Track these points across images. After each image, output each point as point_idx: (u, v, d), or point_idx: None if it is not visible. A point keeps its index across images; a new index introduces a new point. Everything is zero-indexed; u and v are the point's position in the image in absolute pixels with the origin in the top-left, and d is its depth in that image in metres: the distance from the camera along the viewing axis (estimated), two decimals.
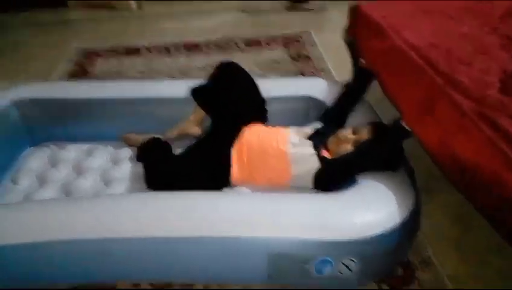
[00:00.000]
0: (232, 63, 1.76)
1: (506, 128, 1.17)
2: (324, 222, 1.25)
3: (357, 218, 1.25)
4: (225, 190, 1.54)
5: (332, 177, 1.43)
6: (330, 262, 1.22)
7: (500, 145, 1.12)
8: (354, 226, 1.23)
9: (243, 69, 1.75)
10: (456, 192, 1.29)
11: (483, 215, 1.18)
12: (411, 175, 1.42)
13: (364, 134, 1.47)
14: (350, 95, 1.74)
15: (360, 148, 1.43)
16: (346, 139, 1.48)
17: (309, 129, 1.62)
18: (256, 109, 1.73)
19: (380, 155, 1.39)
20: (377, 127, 1.48)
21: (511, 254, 1.12)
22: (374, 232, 1.22)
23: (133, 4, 3.80)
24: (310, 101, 1.83)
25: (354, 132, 1.50)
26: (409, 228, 1.30)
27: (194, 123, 1.77)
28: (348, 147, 1.46)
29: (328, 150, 1.51)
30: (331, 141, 1.52)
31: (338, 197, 1.32)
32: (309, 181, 1.46)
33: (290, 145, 1.51)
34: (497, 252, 1.52)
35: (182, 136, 1.79)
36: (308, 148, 1.49)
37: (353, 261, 1.23)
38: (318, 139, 1.54)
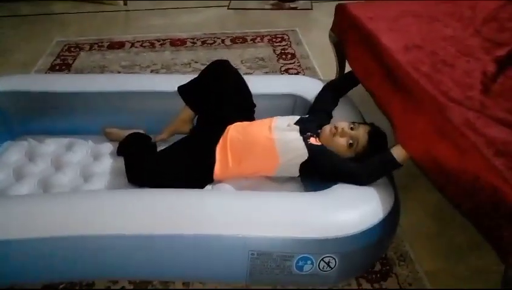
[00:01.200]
0: (225, 61, 1.72)
1: (486, 131, 1.19)
2: (304, 219, 1.25)
3: (338, 216, 1.25)
4: (207, 187, 1.53)
5: (316, 172, 1.42)
6: (311, 259, 1.22)
7: (481, 149, 1.13)
8: (334, 224, 1.23)
9: (234, 69, 1.73)
10: (434, 190, 1.30)
11: (468, 219, 1.18)
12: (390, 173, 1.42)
13: (361, 133, 1.44)
14: (334, 91, 1.75)
15: (358, 169, 1.37)
16: (343, 132, 1.45)
17: (295, 117, 1.59)
18: (244, 110, 1.71)
19: (369, 181, 1.35)
20: (375, 132, 1.46)
21: (487, 250, 1.14)
22: (355, 230, 1.22)
23: None
24: (295, 99, 1.83)
25: (352, 128, 1.46)
26: (389, 225, 1.31)
27: (183, 122, 1.73)
28: (342, 142, 1.44)
29: (318, 138, 1.49)
30: (326, 130, 1.48)
31: (319, 195, 1.32)
32: (296, 169, 1.44)
33: (276, 131, 1.49)
34: (474, 248, 1.54)
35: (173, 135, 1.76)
36: (294, 133, 1.47)
37: (333, 258, 1.23)
38: (305, 126, 1.52)
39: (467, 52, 1.62)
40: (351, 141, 1.43)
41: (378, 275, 1.46)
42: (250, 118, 1.72)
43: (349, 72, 1.87)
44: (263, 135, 1.49)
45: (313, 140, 1.47)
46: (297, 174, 1.46)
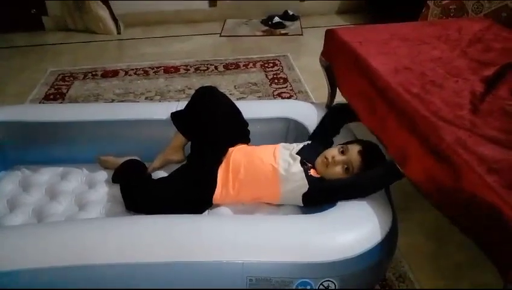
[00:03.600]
0: (210, 87, 1.75)
1: (478, 149, 1.21)
2: (303, 243, 1.23)
3: (336, 239, 1.24)
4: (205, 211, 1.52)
5: (319, 201, 1.42)
6: (310, 284, 1.21)
7: (474, 167, 1.15)
8: (333, 247, 1.22)
9: (221, 93, 1.75)
10: (430, 209, 1.31)
11: (468, 236, 1.19)
12: (388, 193, 1.43)
13: (354, 155, 1.42)
14: (337, 120, 1.75)
15: (352, 181, 1.39)
16: (335, 161, 1.43)
17: (298, 145, 1.58)
18: (238, 132, 1.71)
19: (369, 191, 1.36)
20: (367, 148, 1.45)
21: (486, 268, 1.14)
22: (353, 253, 1.21)
23: (112, 28, 3.81)
24: (289, 123, 1.84)
25: (343, 152, 1.45)
26: (387, 247, 1.30)
27: (174, 149, 1.73)
28: (338, 169, 1.43)
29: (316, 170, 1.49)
30: (319, 162, 1.47)
31: (316, 218, 1.31)
32: (298, 200, 1.45)
33: (280, 161, 1.48)
34: (472, 267, 1.54)
35: (166, 164, 1.76)
36: (296, 164, 1.46)
37: (333, 282, 1.21)
38: (306, 156, 1.51)
39: (455, 73, 1.66)
40: (346, 166, 1.42)
41: None
42: (246, 138, 1.72)
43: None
44: (268, 163, 1.49)
45: (313, 172, 1.47)
46: (301, 204, 1.46)
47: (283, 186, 1.45)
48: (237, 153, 1.56)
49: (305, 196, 1.43)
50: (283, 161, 1.48)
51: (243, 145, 1.64)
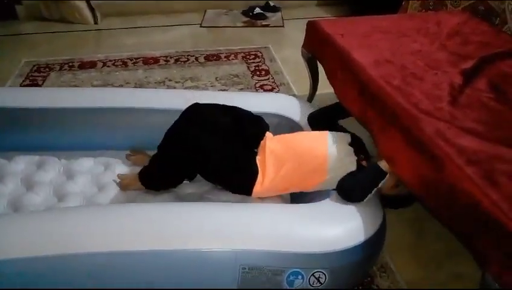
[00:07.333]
0: (194, 106, 1.55)
1: (457, 141, 1.23)
2: (295, 234, 1.24)
3: (329, 231, 1.25)
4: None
5: (351, 183, 1.38)
6: (301, 274, 1.22)
7: (454, 158, 1.17)
8: (325, 238, 1.23)
9: (202, 106, 1.57)
10: None
11: (448, 228, 1.21)
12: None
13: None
14: (328, 122, 1.72)
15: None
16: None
17: (347, 136, 1.55)
18: (250, 124, 1.61)
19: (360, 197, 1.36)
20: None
21: (465, 258, 1.17)
22: (345, 245, 1.23)
23: (89, 18, 3.71)
24: (280, 119, 1.80)
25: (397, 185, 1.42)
26: (378, 241, 1.32)
27: None
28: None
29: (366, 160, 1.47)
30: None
31: (309, 210, 1.32)
32: (335, 181, 1.41)
33: (331, 149, 1.45)
34: (451, 256, 1.58)
35: None
36: (351, 156, 1.45)
37: (324, 273, 1.23)
38: (358, 148, 1.50)
39: (434, 66, 1.68)
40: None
41: (360, 288, 1.47)
42: (264, 125, 1.64)
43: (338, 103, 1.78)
44: (318, 148, 1.45)
45: (363, 162, 1.46)
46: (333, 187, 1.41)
47: (330, 173, 1.41)
48: (274, 143, 1.50)
49: (348, 175, 1.39)
50: (334, 148, 1.45)
51: (273, 136, 1.57)
